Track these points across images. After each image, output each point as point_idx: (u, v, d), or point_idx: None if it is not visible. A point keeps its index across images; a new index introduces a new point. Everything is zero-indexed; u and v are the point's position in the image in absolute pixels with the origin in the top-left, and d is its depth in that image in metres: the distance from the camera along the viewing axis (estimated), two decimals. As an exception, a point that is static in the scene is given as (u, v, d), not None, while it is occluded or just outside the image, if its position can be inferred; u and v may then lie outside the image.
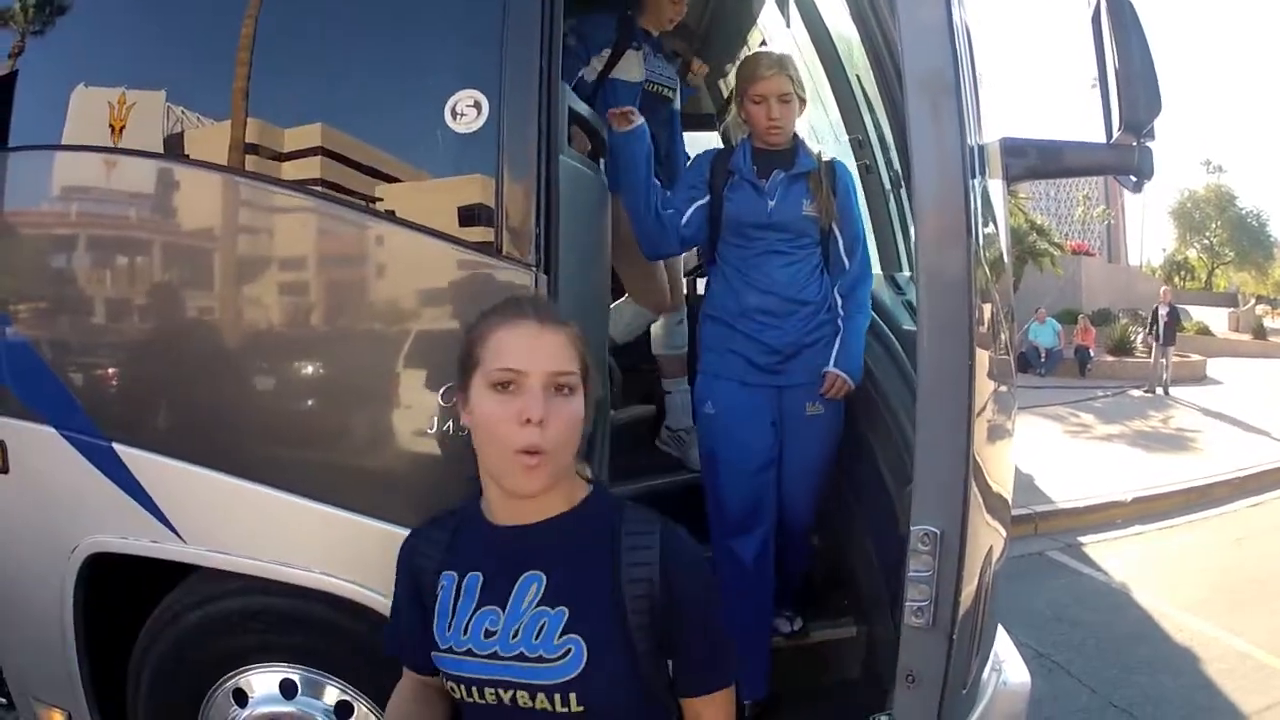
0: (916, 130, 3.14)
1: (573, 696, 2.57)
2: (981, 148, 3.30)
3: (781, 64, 4.97)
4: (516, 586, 2.67)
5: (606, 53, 5.79)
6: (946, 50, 3.09)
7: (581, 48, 5.73)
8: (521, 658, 2.60)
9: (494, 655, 2.63)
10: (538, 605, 2.63)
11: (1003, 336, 3.76)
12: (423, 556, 2.88)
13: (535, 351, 2.62)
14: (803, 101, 5.09)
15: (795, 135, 5.10)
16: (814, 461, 5.06)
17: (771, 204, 4.94)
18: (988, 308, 3.29)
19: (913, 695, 3.26)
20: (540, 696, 2.59)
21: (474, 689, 2.66)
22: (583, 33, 5.77)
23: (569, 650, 2.57)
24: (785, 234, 4.96)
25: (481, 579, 2.72)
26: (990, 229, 3.54)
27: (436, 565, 2.82)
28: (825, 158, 5.11)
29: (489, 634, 2.65)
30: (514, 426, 2.54)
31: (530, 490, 2.60)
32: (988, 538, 3.52)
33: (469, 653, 2.66)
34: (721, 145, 5.93)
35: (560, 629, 2.59)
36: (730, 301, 5.03)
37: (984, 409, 3.23)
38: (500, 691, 2.63)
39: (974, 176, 3.11)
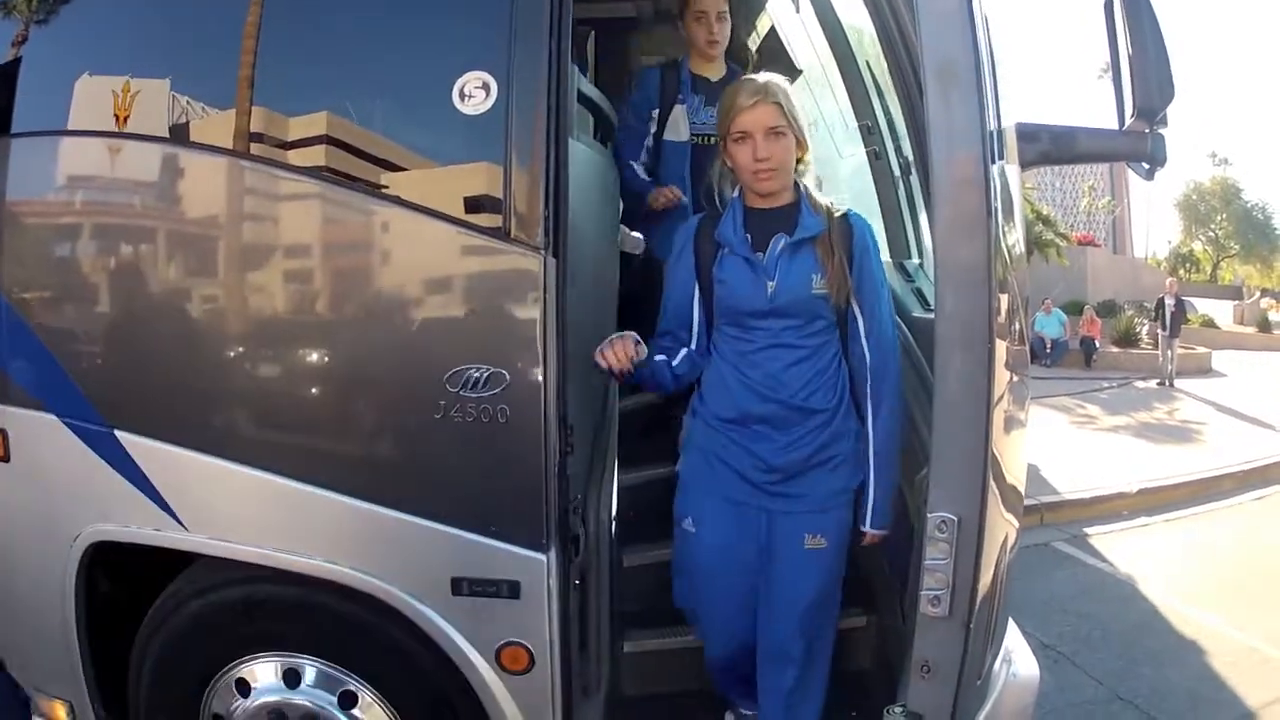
0: (934, 117, 3.10)
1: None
2: (999, 132, 3.26)
3: (767, 91, 4.05)
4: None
5: (656, 112, 5.94)
6: (967, 36, 3.06)
7: (635, 117, 5.92)
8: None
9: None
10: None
11: (1018, 326, 3.73)
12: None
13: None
14: (802, 143, 4.17)
15: (798, 187, 4.23)
16: (807, 597, 4.19)
17: (772, 285, 4.06)
18: (1005, 297, 3.26)
19: (928, 686, 3.24)
20: None
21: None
22: (633, 101, 6.00)
23: None
24: (792, 320, 4.10)
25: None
26: (1008, 216, 3.51)
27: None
28: (837, 210, 4.18)
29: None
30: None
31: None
32: (1003, 526, 3.50)
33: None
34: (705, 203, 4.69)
35: None
36: (724, 404, 4.22)
37: (1001, 397, 3.20)
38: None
39: (993, 162, 3.07)
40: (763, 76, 4.14)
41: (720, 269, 4.17)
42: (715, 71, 5.97)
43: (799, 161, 4.21)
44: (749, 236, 4.15)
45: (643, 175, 5.82)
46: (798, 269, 4.07)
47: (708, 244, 4.24)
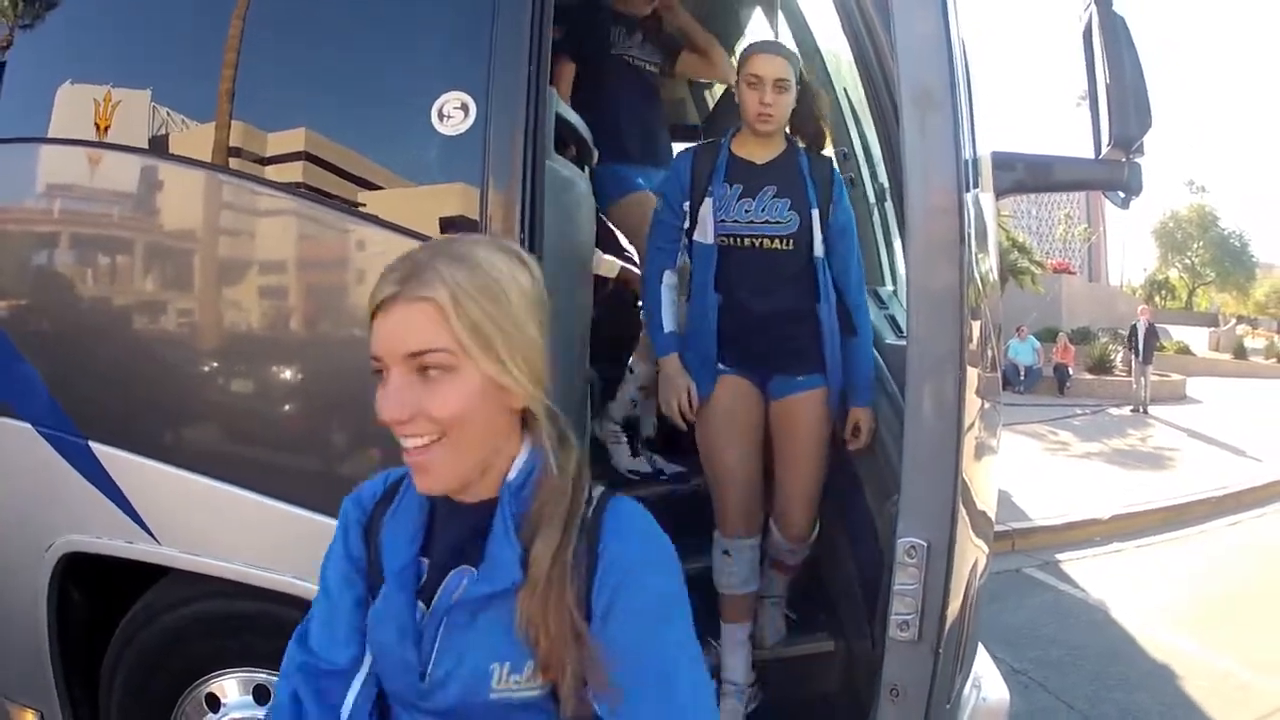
0: (909, 144, 3.10)
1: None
2: (974, 160, 3.28)
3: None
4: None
5: (688, 205, 4.87)
6: (943, 63, 3.07)
7: (666, 208, 4.92)
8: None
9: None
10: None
11: (990, 353, 3.75)
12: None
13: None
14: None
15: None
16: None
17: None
18: (977, 324, 3.27)
19: (897, 709, 3.24)
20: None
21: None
22: (663, 189, 5.03)
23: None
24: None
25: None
26: (981, 244, 3.52)
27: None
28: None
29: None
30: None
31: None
32: (973, 552, 3.51)
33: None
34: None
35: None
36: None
37: (972, 424, 3.21)
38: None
39: (967, 190, 3.09)
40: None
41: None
42: (764, 152, 4.80)
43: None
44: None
45: (665, 311, 4.86)
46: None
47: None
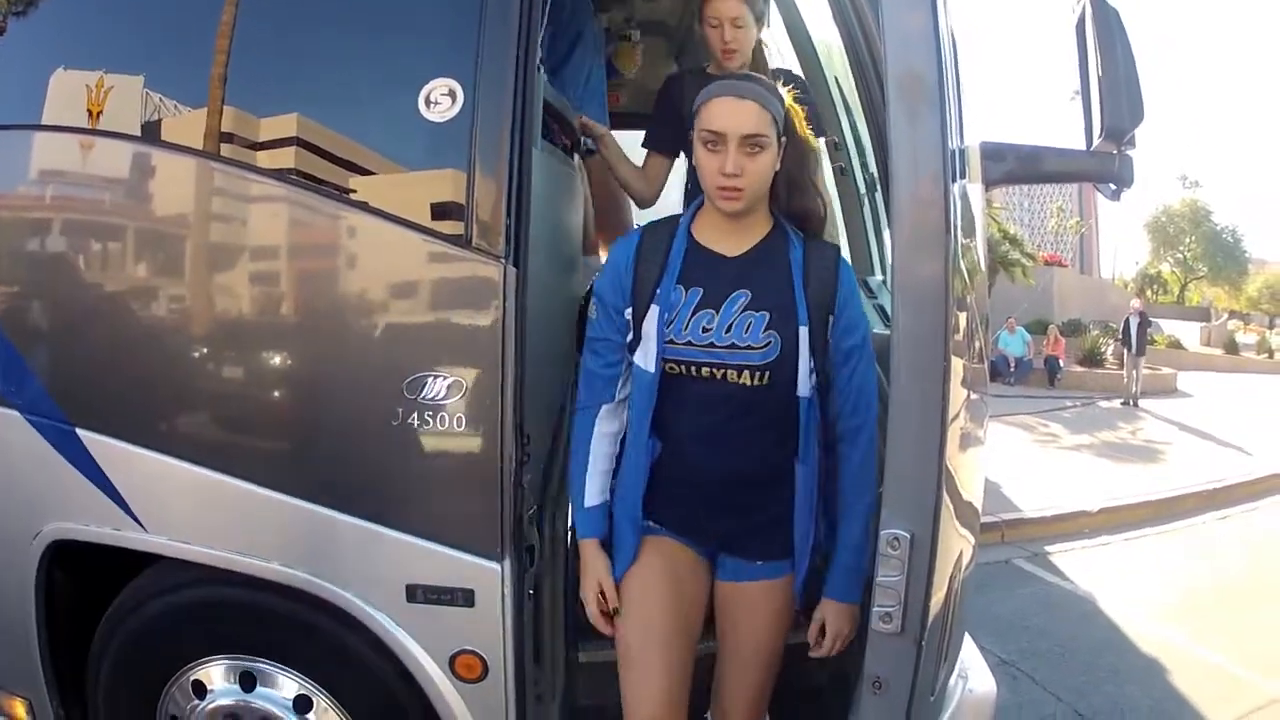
0: (896, 134, 3.09)
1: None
2: (962, 151, 3.27)
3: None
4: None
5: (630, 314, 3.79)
6: (931, 53, 3.06)
7: (602, 318, 3.75)
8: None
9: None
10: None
11: (977, 345, 3.74)
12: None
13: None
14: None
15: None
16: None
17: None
18: (963, 315, 3.26)
19: (879, 702, 3.24)
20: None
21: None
22: (598, 290, 3.78)
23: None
24: None
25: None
26: (968, 235, 3.51)
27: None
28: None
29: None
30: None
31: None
32: (957, 544, 3.51)
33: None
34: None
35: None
36: None
37: (957, 415, 3.20)
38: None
39: (954, 180, 3.08)
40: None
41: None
42: (738, 238, 3.64)
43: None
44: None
45: (591, 476, 3.74)
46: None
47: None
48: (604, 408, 3.74)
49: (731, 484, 3.67)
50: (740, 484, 3.67)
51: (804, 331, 3.52)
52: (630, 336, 3.65)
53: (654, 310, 3.56)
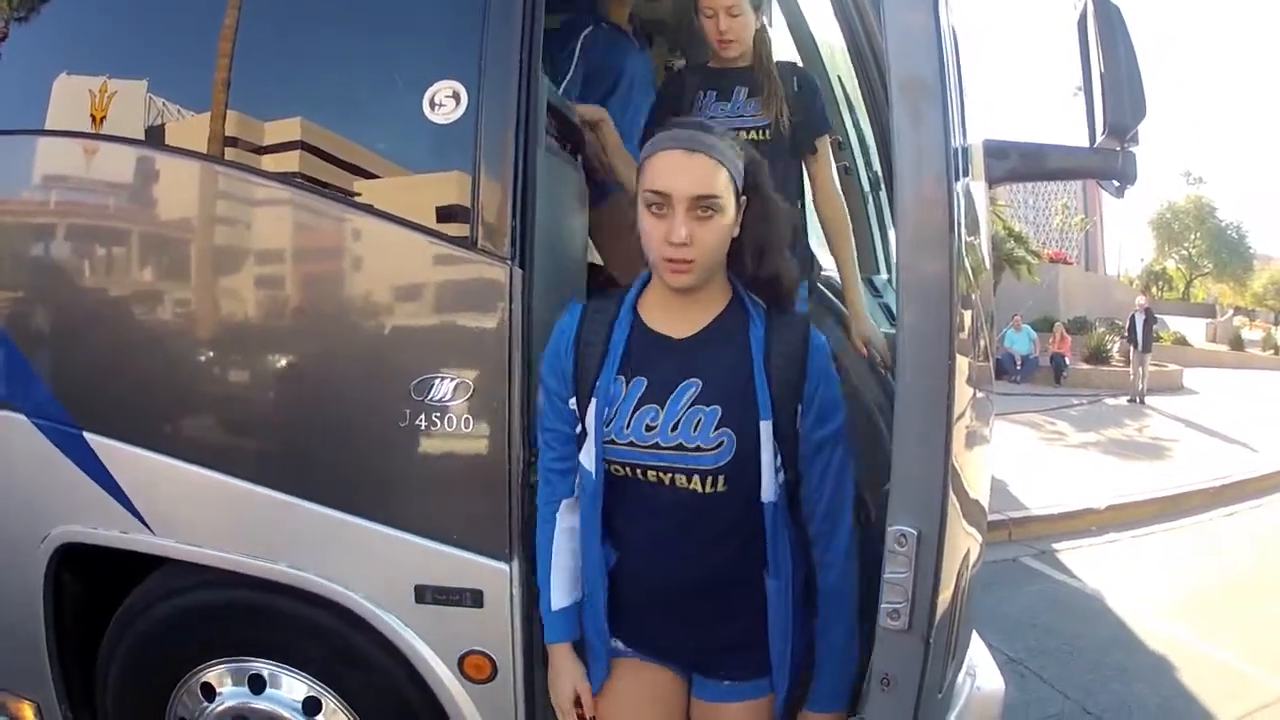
0: (899, 132, 3.07)
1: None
2: (965, 149, 3.27)
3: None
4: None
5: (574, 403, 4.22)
6: (933, 52, 3.05)
7: (550, 407, 3.35)
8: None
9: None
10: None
11: (982, 342, 3.74)
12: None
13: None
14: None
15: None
16: None
17: None
18: (968, 313, 3.26)
19: (887, 699, 3.23)
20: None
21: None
22: (546, 363, 3.39)
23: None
24: None
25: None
26: (972, 233, 3.51)
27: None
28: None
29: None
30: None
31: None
32: (964, 541, 3.50)
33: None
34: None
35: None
36: None
37: (963, 413, 3.20)
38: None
39: (957, 179, 3.08)
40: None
41: None
42: (689, 316, 3.19)
43: None
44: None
45: (556, 574, 3.37)
46: None
47: None
48: (563, 503, 3.34)
49: (690, 597, 3.23)
50: (699, 597, 3.23)
51: (766, 427, 3.04)
52: (579, 428, 3.22)
53: (594, 404, 3.13)
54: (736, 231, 3.08)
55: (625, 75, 5.44)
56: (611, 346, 3.16)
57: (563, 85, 5.01)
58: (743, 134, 4.47)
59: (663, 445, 3.05)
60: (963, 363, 3.14)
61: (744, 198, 3.09)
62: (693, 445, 3.03)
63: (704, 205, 2.92)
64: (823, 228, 5.09)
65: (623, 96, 5.33)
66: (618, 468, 3.11)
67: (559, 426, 3.27)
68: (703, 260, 2.98)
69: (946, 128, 3.01)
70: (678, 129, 3.06)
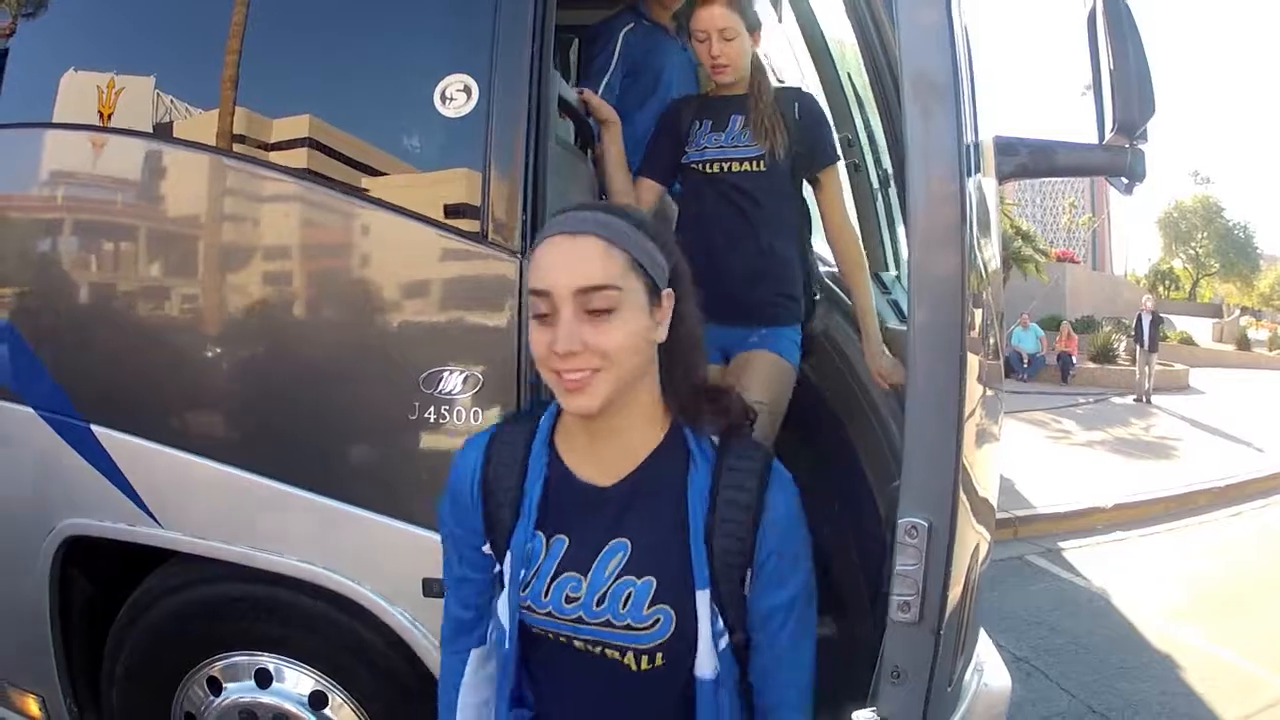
0: (912, 129, 3.05)
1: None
2: (977, 145, 3.26)
3: None
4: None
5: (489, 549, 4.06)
6: (946, 48, 3.04)
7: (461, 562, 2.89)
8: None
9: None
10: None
11: (992, 340, 3.74)
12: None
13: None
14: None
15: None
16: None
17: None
18: (979, 311, 3.25)
19: (898, 691, 3.23)
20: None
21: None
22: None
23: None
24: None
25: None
26: (983, 230, 3.51)
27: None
28: None
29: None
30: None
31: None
32: (974, 536, 3.50)
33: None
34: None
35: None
36: None
37: (973, 411, 3.20)
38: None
39: (969, 175, 3.07)
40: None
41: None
42: (616, 462, 2.56)
43: None
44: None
45: None
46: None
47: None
48: (474, 653, 2.74)
49: None
50: None
51: (704, 597, 2.41)
52: (496, 568, 2.62)
53: (509, 558, 2.53)
54: (663, 336, 2.40)
55: (665, 76, 5.40)
56: (527, 493, 2.51)
57: (603, 83, 5.03)
58: (737, 165, 4.43)
59: (587, 619, 2.42)
60: (973, 360, 3.13)
61: (668, 290, 2.40)
62: (622, 623, 2.40)
63: (597, 298, 2.23)
64: (836, 261, 4.89)
65: (661, 99, 5.22)
66: (538, 630, 2.50)
67: (471, 575, 2.66)
68: (608, 373, 2.27)
69: (959, 124, 3.00)
70: (570, 210, 2.40)
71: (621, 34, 5.23)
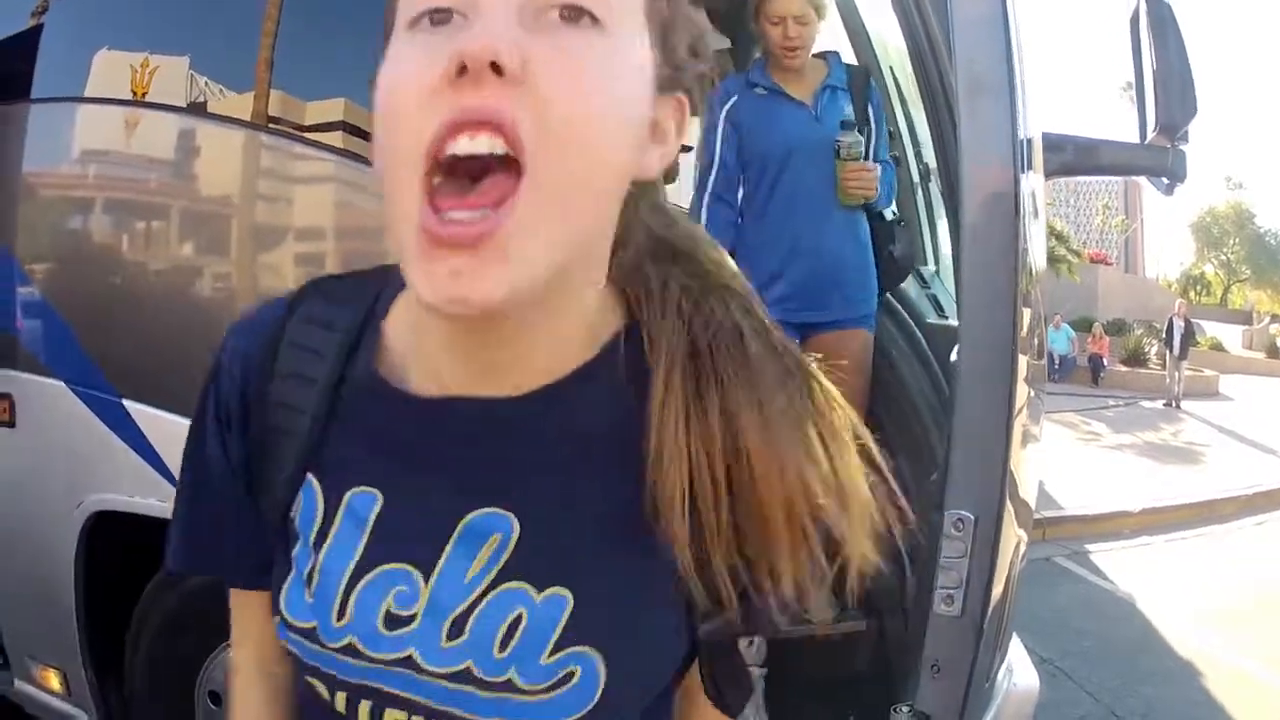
0: (966, 125, 3.06)
1: None
2: (1029, 142, 3.24)
3: None
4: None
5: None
6: (1001, 43, 3.03)
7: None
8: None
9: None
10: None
11: (1036, 340, 3.73)
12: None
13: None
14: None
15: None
16: None
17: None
18: (1028, 311, 3.24)
19: (938, 685, 3.22)
20: None
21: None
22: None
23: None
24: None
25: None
26: (1034, 228, 3.50)
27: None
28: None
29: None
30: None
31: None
32: (1015, 533, 3.49)
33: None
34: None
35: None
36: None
37: (1020, 409, 3.18)
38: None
39: (1023, 172, 3.06)
40: None
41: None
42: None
43: None
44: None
45: None
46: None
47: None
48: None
49: None
50: None
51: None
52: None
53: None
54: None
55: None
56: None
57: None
58: None
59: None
60: (1021, 361, 3.11)
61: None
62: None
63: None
64: None
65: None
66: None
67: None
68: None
69: (1014, 121, 2.99)
70: None
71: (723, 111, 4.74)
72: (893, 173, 4.98)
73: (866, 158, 4.68)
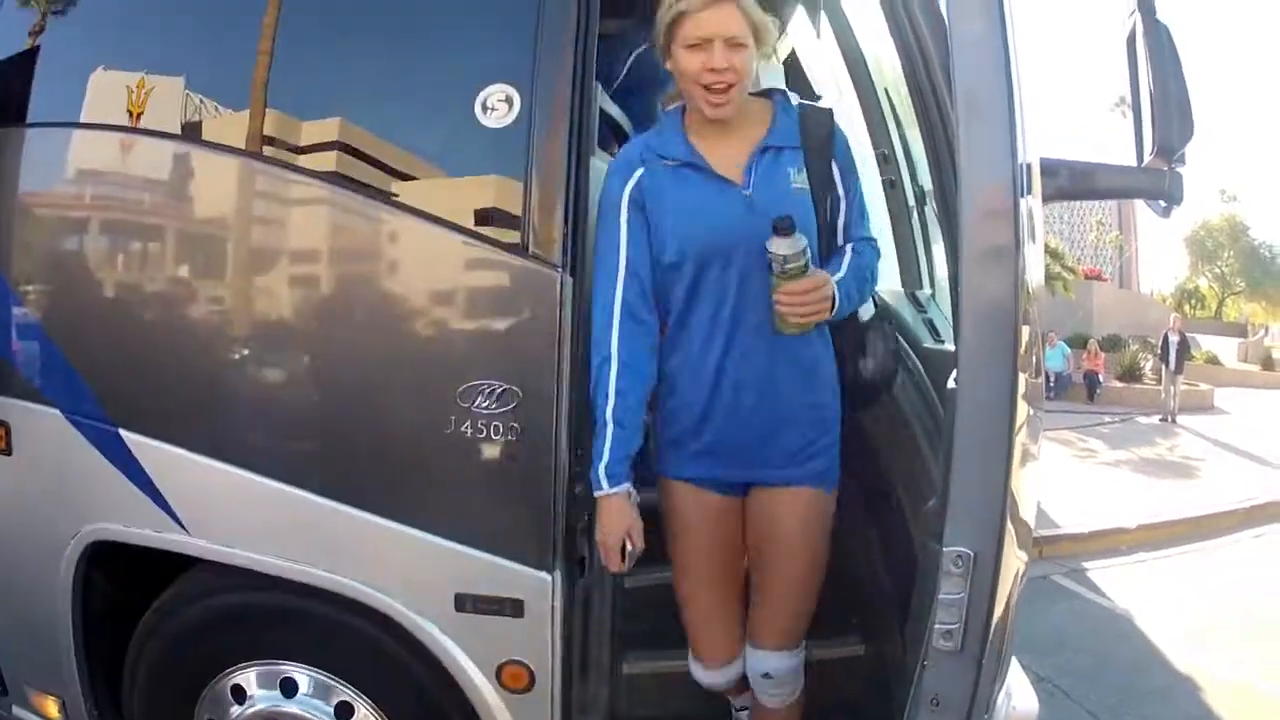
0: (966, 148, 3.07)
1: None
2: (1028, 166, 3.24)
3: None
4: None
5: None
6: (1000, 65, 3.03)
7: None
8: None
9: None
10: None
11: (1035, 359, 3.72)
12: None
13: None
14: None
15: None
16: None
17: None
18: (1026, 330, 3.23)
19: (936, 719, 3.21)
20: None
21: None
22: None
23: None
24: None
25: None
26: (1033, 250, 3.49)
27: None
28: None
29: None
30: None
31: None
32: (1015, 561, 3.48)
33: None
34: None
35: None
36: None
37: (1019, 432, 3.17)
38: None
39: (1023, 195, 3.07)
40: None
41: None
42: None
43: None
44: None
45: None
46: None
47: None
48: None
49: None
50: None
51: None
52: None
53: None
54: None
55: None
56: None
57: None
58: None
59: None
60: (1020, 380, 3.11)
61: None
62: None
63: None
64: None
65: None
66: None
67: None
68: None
69: (1013, 143, 3.00)
70: None
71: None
72: (873, 257, 3.86)
73: (832, 238, 3.75)
